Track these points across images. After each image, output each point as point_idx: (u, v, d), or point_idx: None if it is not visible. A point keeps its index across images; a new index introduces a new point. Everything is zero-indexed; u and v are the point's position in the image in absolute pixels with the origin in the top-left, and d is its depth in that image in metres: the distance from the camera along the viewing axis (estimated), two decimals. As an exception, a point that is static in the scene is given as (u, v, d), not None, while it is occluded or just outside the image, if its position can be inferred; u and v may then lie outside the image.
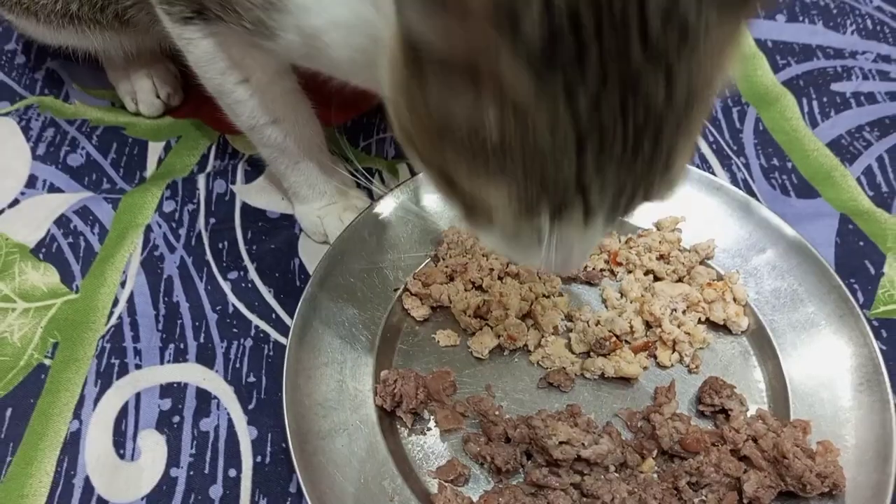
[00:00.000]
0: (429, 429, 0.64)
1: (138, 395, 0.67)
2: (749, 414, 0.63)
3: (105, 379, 0.68)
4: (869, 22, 0.97)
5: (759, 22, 0.96)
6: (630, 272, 0.72)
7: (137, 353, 0.70)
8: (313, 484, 0.58)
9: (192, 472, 0.63)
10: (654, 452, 0.61)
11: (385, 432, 0.63)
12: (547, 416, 0.60)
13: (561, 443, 0.59)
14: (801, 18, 0.98)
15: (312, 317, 0.67)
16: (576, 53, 0.35)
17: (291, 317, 0.68)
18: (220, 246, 0.78)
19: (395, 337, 0.69)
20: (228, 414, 0.66)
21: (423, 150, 0.44)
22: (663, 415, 0.62)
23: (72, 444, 0.65)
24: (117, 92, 0.91)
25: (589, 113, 0.37)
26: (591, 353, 0.67)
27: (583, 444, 0.59)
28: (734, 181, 0.81)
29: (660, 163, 0.40)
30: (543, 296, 0.70)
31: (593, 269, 0.73)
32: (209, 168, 0.84)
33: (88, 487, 0.62)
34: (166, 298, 0.73)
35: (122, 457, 0.64)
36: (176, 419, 0.66)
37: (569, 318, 0.70)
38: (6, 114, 0.90)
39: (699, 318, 0.69)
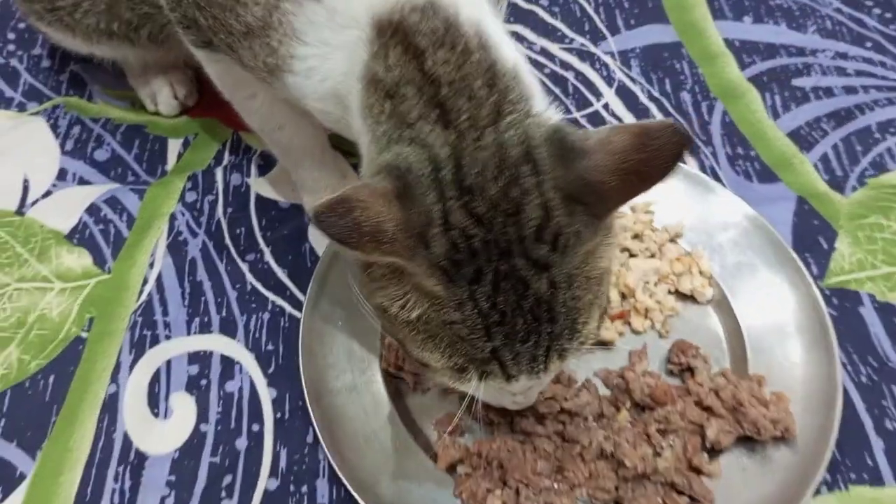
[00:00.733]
0: (428, 388, 0.69)
1: (169, 362, 0.73)
2: (713, 372, 0.69)
3: (138, 348, 0.74)
4: (829, 23, 1.02)
5: (727, 23, 1.02)
6: (607, 249, 0.79)
7: (167, 325, 0.76)
8: (328, 432, 0.65)
9: (219, 428, 0.69)
10: (628, 404, 0.67)
11: (390, 390, 0.69)
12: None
13: (547, 398, 0.66)
14: (766, 20, 1.03)
15: (323, 292, 0.73)
16: (473, 266, 0.46)
17: (304, 293, 0.74)
18: (238, 232, 0.83)
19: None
20: (251, 377, 0.72)
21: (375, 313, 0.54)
22: (636, 372, 0.68)
23: (110, 405, 0.71)
24: (137, 94, 0.96)
25: (490, 305, 0.47)
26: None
27: (564, 397, 0.66)
28: (702, 168, 0.86)
29: (564, 333, 0.49)
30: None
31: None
32: (225, 162, 0.90)
33: (127, 441, 0.68)
34: (191, 277, 0.79)
35: (156, 415, 0.70)
36: (203, 382, 0.72)
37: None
38: (35, 113, 0.95)
39: (669, 290, 0.75)
